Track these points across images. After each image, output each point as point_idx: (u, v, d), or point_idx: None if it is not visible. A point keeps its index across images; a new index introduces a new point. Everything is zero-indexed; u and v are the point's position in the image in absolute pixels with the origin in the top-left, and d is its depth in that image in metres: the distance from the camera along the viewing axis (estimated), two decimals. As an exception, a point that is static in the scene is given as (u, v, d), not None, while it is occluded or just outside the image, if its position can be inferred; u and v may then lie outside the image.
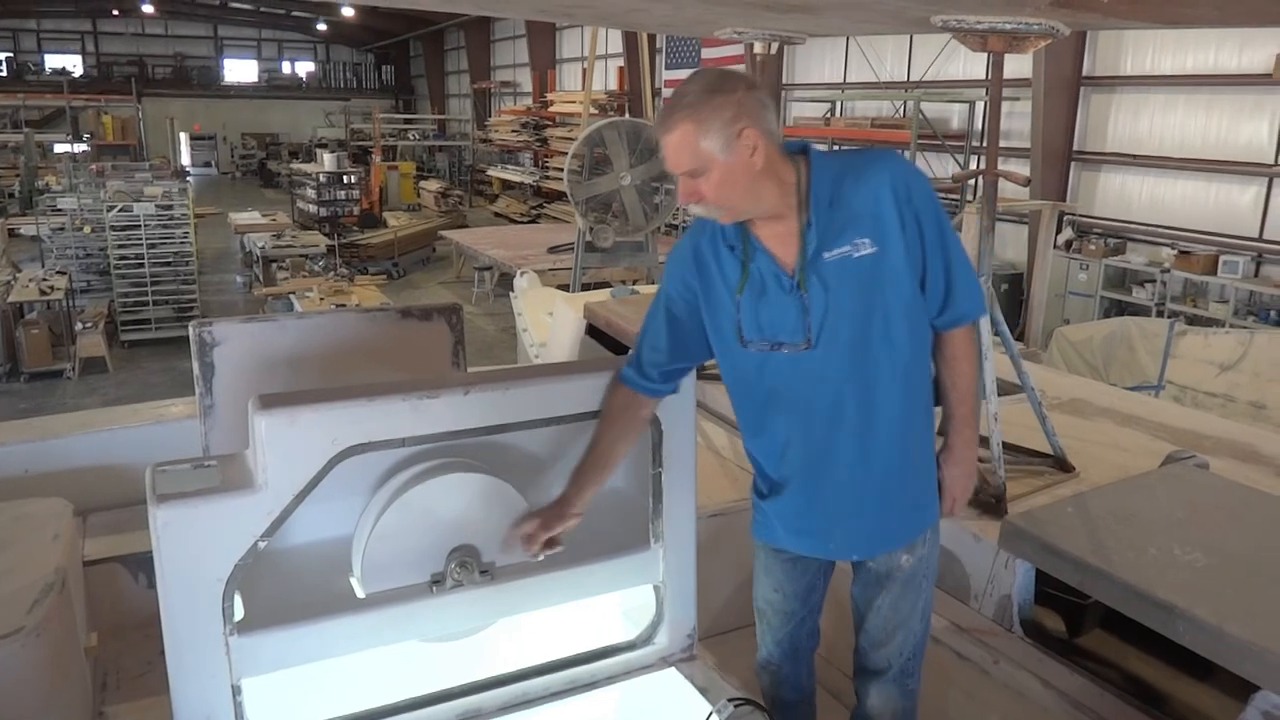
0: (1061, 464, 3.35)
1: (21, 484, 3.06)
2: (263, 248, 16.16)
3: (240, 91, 40.56)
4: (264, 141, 38.89)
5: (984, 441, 3.13)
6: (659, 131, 1.93)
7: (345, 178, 21.58)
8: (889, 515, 2.12)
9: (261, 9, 38.51)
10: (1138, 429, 3.85)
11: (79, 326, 12.42)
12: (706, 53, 18.34)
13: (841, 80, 16.43)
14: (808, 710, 2.48)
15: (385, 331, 2.96)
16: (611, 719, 2.44)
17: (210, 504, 1.89)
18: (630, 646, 2.44)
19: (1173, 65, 11.35)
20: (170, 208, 14.43)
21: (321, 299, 12.75)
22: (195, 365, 2.68)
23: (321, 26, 40.23)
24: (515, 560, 2.18)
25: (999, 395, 3.19)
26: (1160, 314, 10.78)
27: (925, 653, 2.31)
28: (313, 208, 21.40)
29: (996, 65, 3.13)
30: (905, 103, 14.41)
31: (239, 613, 1.98)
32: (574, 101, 21.99)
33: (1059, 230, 11.50)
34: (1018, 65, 11.29)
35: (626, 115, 18.42)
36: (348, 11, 33.48)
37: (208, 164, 39.62)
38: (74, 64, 37.59)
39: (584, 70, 19.69)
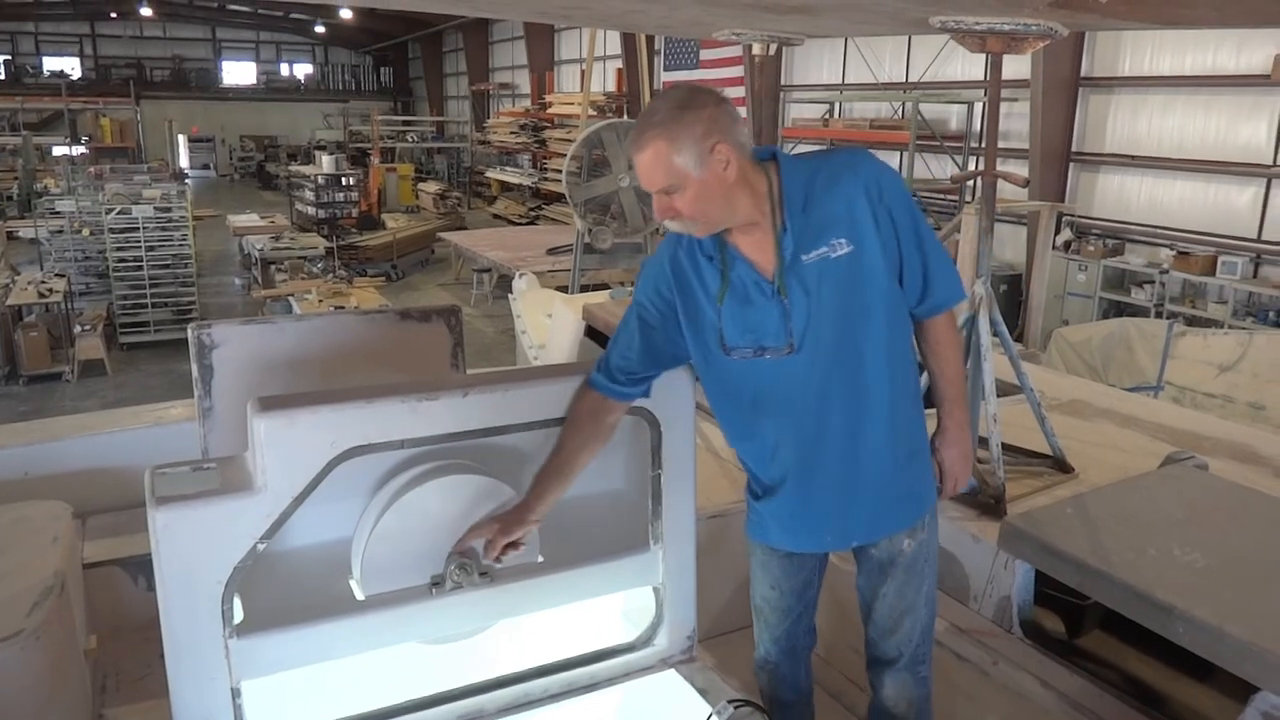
0: (1061, 465, 3.35)
1: (21, 487, 3.06)
2: (261, 250, 16.16)
3: (238, 94, 40.53)
4: (262, 144, 38.85)
5: (983, 442, 3.14)
6: (631, 150, 1.95)
7: (344, 180, 21.60)
8: (884, 504, 2.14)
9: (259, 11, 38.50)
10: (1137, 430, 3.85)
11: (78, 329, 12.41)
12: (705, 54, 18.36)
13: (840, 81, 16.45)
14: (806, 710, 2.48)
15: (384, 333, 2.96)
16: (611, 720, 2.44)
17: (209, 506, 1.89)
18: (630, 648, 2.44)
19: (1171, 66, 11.37)
20: (169, 210, 14.44)
21: (320, 301, 12.76)
22: (194, 368, 2.68)
23: (320, 29, 40.25)
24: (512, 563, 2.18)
25: (998, 396, 3.19)
26: (1159, 315, 10.79)
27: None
28: (311, 210, 21.40)
29: (995, 66, 3.13)
30: (904, 104, 14.42)
31: (238, 615, 1.98)
32: (572, 103, 22.00)
33: (1058, 231, 11.50)
34: (1016, 66, 11.31)
35: (625, 117, 18.44)
36: (346, 14, 33.47)
37: (206, 166, 39.61)
38: (72, 67, 37.57)
39: (582, 72, 19.71)
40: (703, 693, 2.32)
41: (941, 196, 14.26)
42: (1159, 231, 11.74)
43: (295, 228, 19.67)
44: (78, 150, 24.26)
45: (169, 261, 14.21)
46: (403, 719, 2.15)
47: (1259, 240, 10.68)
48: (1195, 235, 11.26)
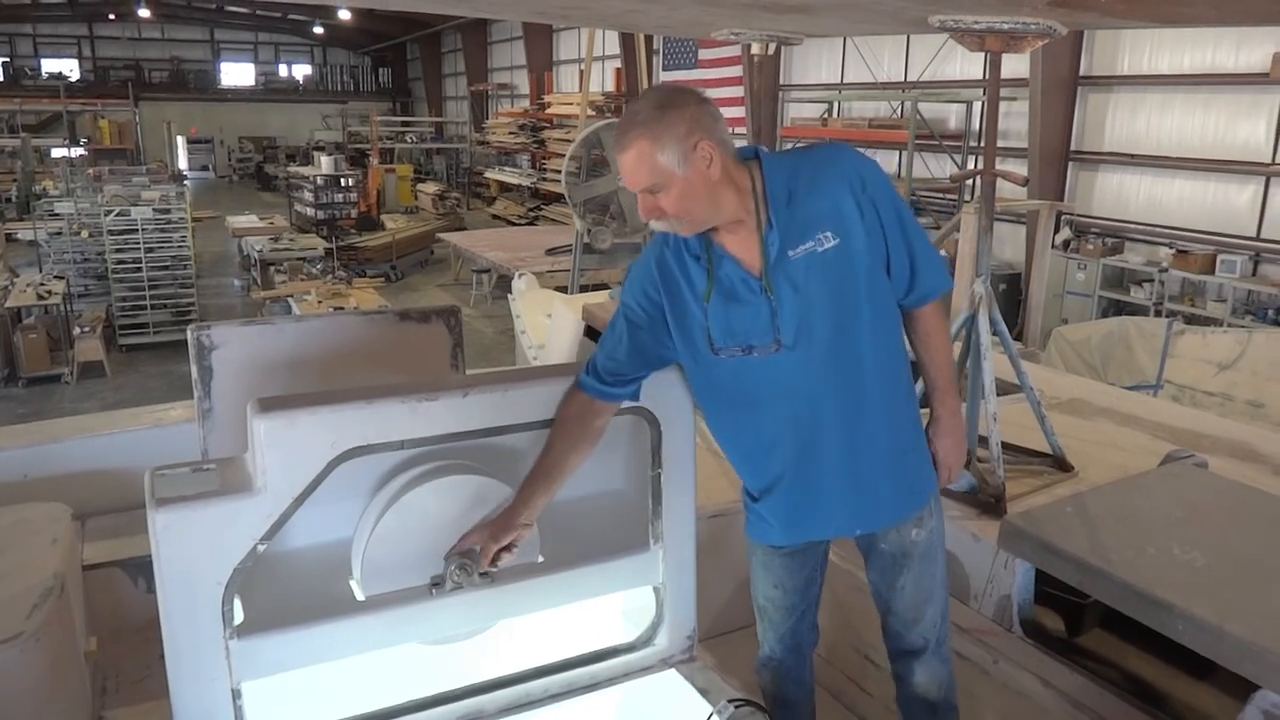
0: (1060, 464, 3.35)
1: (20, 489, 3.06)
2: (260, 251, 16.16)
3: (237, 95, 40.49)
4: (261, 145, 38.83)
5: (983, 441, 3.14)
6: (615, 151, 1.96)
7: (343, 181, 21.60)
8: (885, 492, 2.15)
9: (258, 12, 38.49)
10: (1136, 428, 3.85)
11: (77, 331, 12.40)
12: (704, 53, 18.34)
13: (839, 81, 16.44)
14: (808, 708, 2.49)
15: (383, 334, 2.96)
16: (612, 720, 2.44)
17: (209, 507, 1.89)
18: (630, 648, 2.44)
19: (1170, 64, 11.36)
20: (168, 211, 14.42)
21: (319, 302, 12.76)
22: (194, 369, 2.68)
23: (318, 29, 40.22)
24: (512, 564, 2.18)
25: (998, 395, 3.19)
26: (1158, 313, 10.78)
27: None
28: (310, 211, 21.40)
29: (994, 65, 3.13)
30: (903, 103, 14.42)
31: (239, 616, 1.98)
32: (571, 103, 21.99)
33: (1057, 230, 11.50)
34: (1015, 65, 11.31)
35: (624, 117, 18.38)
36: (344, 14, 33.46)
37: (205, 167, 39.58)
38: (70, 68, 37.53)
39: (581, 72, 19.69)
40: (703, 692, 2.32)
41: (941, 196, 14.26)
42: (1158, 230, 11.74)
43: (294, 229, 19.66)
44: (76, 152, 24.20)
45: (168, 263, 14.19)
46: (403, 719, 2.14)
47: (1258, 238, 10.68)
48: (1194, 234, 11.26)
